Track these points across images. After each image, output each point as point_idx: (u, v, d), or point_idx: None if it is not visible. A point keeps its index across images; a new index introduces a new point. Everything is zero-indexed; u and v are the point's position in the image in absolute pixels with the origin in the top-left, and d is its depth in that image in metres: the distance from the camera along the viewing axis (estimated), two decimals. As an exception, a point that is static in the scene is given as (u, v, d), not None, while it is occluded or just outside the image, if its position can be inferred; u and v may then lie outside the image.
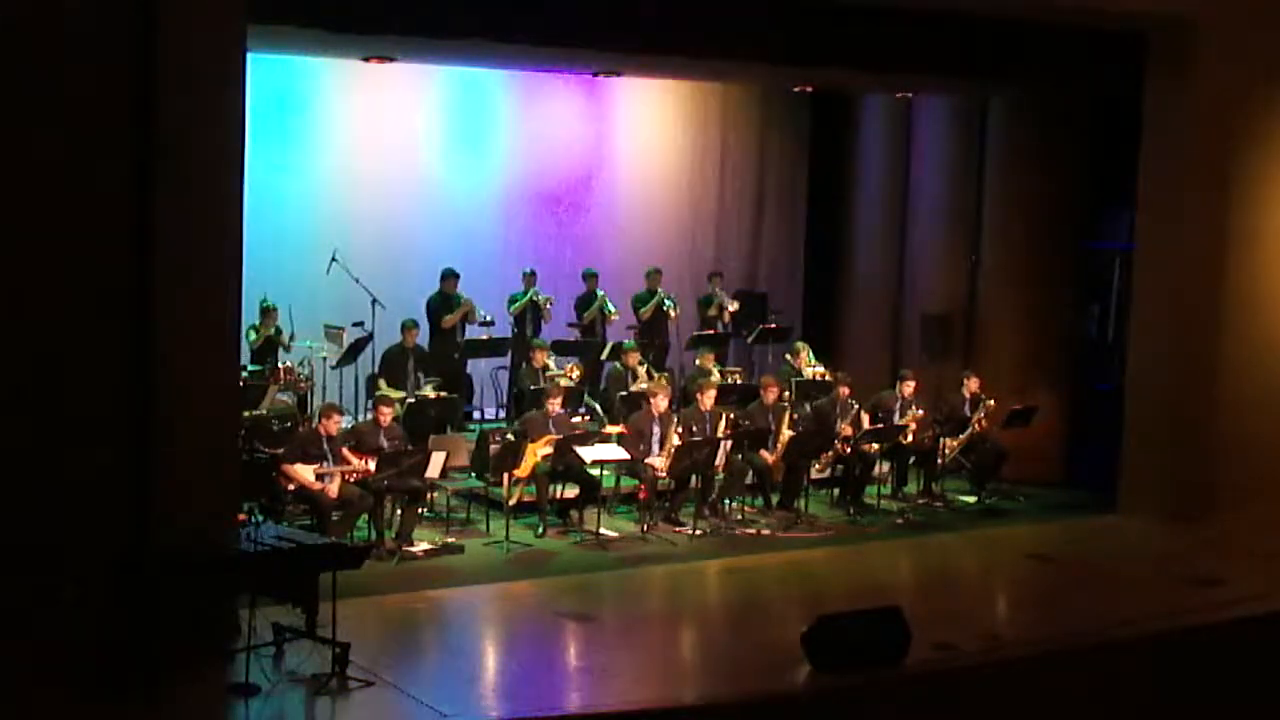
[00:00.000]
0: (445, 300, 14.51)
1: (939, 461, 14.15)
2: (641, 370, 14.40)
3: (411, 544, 11.50)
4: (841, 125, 17.28)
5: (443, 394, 13.47)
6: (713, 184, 17.25)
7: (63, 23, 8.28)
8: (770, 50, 13.22)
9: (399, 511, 11.68)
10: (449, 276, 14.53)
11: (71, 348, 8.38)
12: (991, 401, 14.22)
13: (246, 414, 11.73)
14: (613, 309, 15.31)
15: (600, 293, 15.36)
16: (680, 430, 12.81)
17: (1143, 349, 14.06)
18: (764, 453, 13.24)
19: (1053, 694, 9.46)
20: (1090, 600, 11.21)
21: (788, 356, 15.46)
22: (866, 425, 13.75)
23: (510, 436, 12.40)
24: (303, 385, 13.47)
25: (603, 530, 12.23)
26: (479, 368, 15.02)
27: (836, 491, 13.91)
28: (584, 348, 15.08)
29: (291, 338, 13.68)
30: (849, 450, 13.58)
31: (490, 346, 14.74)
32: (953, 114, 16.09)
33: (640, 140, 16.78)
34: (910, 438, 13.92)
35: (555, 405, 12.55)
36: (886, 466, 14.26)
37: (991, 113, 15.75)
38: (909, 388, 14.18)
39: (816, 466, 13.64)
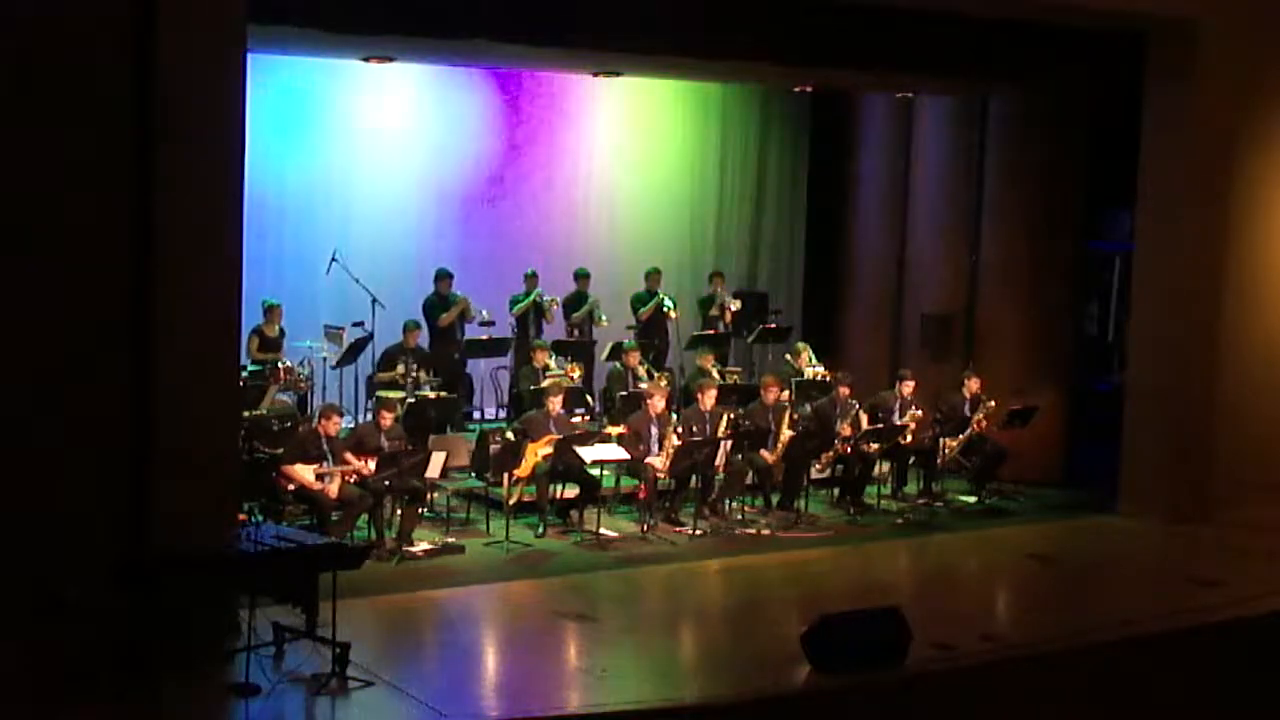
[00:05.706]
0: (441, 300, 14.51)
1: (939, 461, 14.14)
2: (642, 370, 14.39)
3: (411, 544, 11.49)
4: (841, 125, 17.26)
5: (443, 394, 13.47)
6: (713, 184, 17.24)
7: (62, 23, 8.29)
8: (770, 50, 13.21)
9: (399, 511, 11.67)
10: (443, 277, 14.54)
11: (72, 348, 8.39)
12: (991, 402, 14.21)
13: (246, 414, 11.73)
14: (601, 316, 15.25)
15: (591, 295, 15.34)
16: (680, 430, 12.80)
17: (1143, 349, 14.06)
18: (764, 453, 13.23)
19: (1053, 694, 9.46)
20: (1090, 600, 11.24)
21: (788, 356, 15.46)
22: (866, 425, 13.74)
23: (510, 436, 12.41)
24: (303, 385, 13.47)
25: (603, 530, 12.23)
26: (479, 368, 15.02)
27: (836, 491, 13.90)
28: (585, 348, 15.07)
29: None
30: (849, 450, 13.57)
31: (490, 346, 14.74)
32: (953, 114, 16.07)
33: (640, 140, 16.76)
34: (910, 438, 13.91)
35: (556, 405, 12.55)
36: (886, 466, 14.25)
37: (991, 113, 15.73)
38: (909, 388, 14.17)
39: (816, 466, 13.63)
